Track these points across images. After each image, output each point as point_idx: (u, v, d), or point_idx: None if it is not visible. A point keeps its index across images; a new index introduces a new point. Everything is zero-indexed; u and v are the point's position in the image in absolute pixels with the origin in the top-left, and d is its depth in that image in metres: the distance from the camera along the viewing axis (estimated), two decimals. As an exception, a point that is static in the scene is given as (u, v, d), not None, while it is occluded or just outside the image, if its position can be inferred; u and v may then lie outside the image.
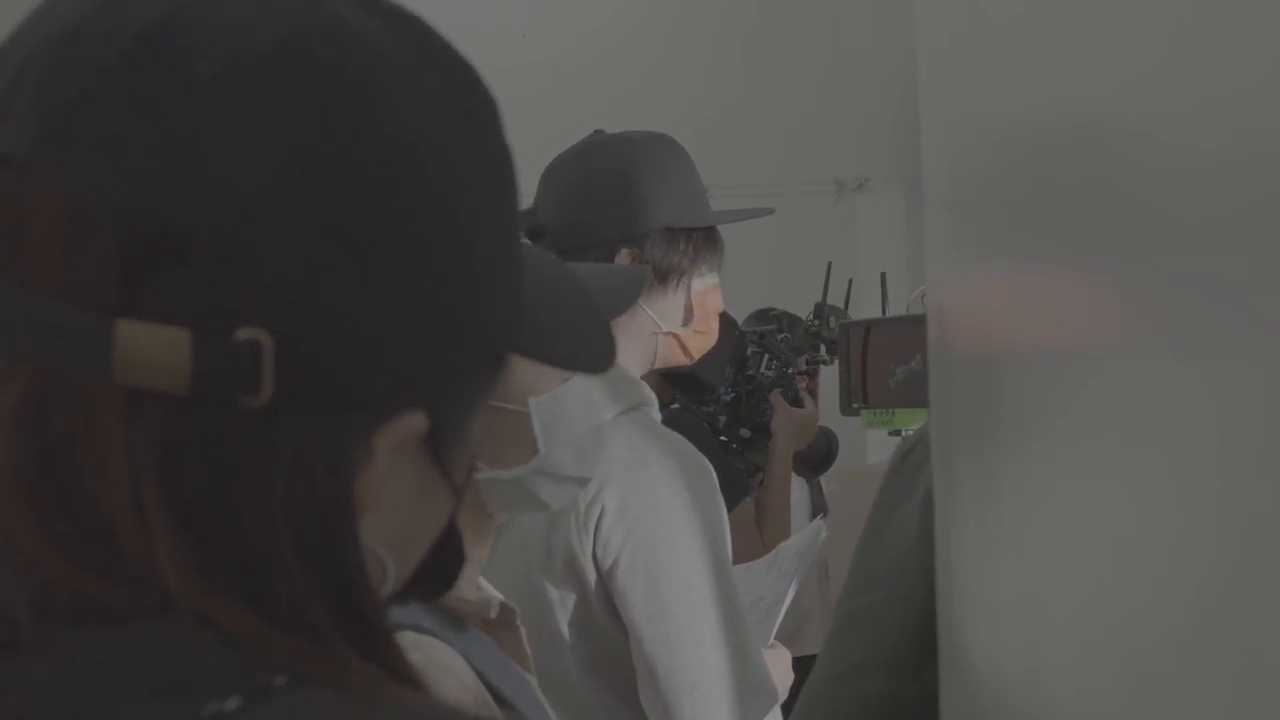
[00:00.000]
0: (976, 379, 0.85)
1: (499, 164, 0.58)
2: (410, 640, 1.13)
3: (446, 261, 0.54)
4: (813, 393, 2.83)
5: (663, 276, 1.89)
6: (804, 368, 2.89)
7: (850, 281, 3.10)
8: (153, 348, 0.49)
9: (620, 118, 4.39)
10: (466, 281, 0.56)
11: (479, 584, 1.30)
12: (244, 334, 0.49)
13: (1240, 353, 0.43)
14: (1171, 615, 0.51)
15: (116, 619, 0.50)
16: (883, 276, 3.98)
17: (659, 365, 1.99)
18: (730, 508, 2.47)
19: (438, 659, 1.13)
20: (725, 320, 2.65)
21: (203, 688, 0.49)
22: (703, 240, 1.93)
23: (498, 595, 1.33)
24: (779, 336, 2.86)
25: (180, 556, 0.50)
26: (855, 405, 2.67)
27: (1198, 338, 0.47)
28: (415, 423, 0.55)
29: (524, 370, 1.23)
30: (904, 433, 2.61)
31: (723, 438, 2.70)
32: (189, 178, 0.49)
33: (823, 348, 2.91)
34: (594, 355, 0.66)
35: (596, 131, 2.01)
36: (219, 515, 0.51)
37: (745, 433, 2.71)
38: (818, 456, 2.91)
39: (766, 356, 2.78)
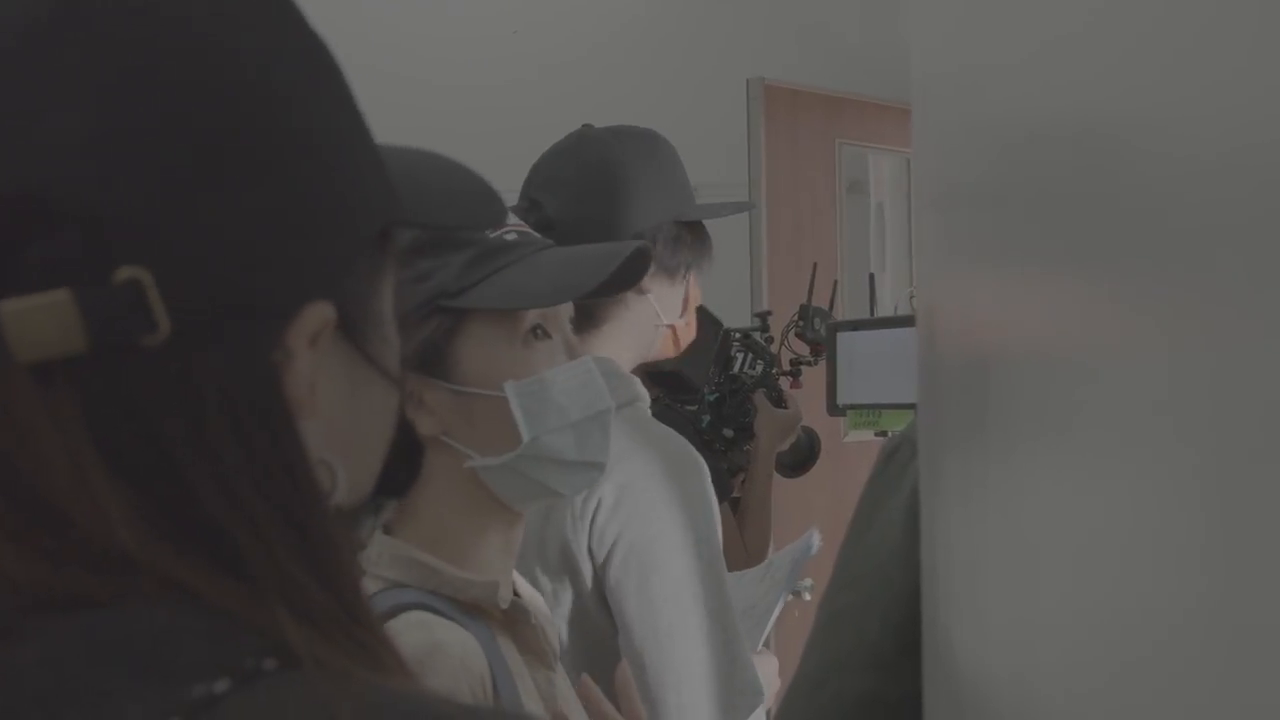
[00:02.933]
0: (965, 379, 0.85)
1: (314, 53, 0.59)
2: (417, 619, 1.13)
3: (293, 153, 0.55)
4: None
5: (671, 270, 1.91)
6: (788, 368, 2.88)
7: (835, 283, 3.10)
8: (40, 317, 0.49)
9: (612, 113, 4.38)
10: (322, 168, 0.57)
11: (513, 578, 1.30)
12: (122, 275, 0.50)
13: (1232, 354, 0.43)
14: (1160, 614, 0.51)
15: (91, 606, 0.50)
16: (871, 277, 3.99)
17: (651, 358, 2.00)
18: None
19: (445, 639, 1.12)
20: (709, 319, 2.65)
21: (190, 669, 0.49)
22: (700, 233, 1.97)
23: (531, 593, 1.33)
24: (763, 336, 2.85)
25: (133, 518, 0.50)
26: (842, 405, 2.68)
27: (1189, 338, 0.47)
28: (322, 312, 0.56)
29: (501, 357, 1.23)
30: (889, 433, 2.62)
31: (705, 438, 2.69)
32: (16, 146, 0.50)
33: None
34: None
35: (586, 126, 2.02)
36: (160, 465, 0.51)
37: (728, 433, 2.71)
38: (800, 456, 2.91)
39: (750, 355, 2.78)
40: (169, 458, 0.51)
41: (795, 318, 2.93)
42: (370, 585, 1.07)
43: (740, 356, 2.77)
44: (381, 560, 1.15)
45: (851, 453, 3.51)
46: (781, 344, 2.89)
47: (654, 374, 2.61)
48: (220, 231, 0.52)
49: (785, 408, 2.74)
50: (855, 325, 2.76)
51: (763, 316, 2.91)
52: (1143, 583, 0.53)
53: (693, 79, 4.37)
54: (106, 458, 0.50)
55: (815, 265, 3.08)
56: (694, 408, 2.68)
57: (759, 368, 2.77)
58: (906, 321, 2.64)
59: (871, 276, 4.09)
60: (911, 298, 3.36)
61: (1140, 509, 0.53)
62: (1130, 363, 0.54)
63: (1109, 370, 0.56)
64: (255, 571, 0.52)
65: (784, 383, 2.84)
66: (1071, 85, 0.60)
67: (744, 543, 2.58)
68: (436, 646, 1.11)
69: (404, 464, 0.64)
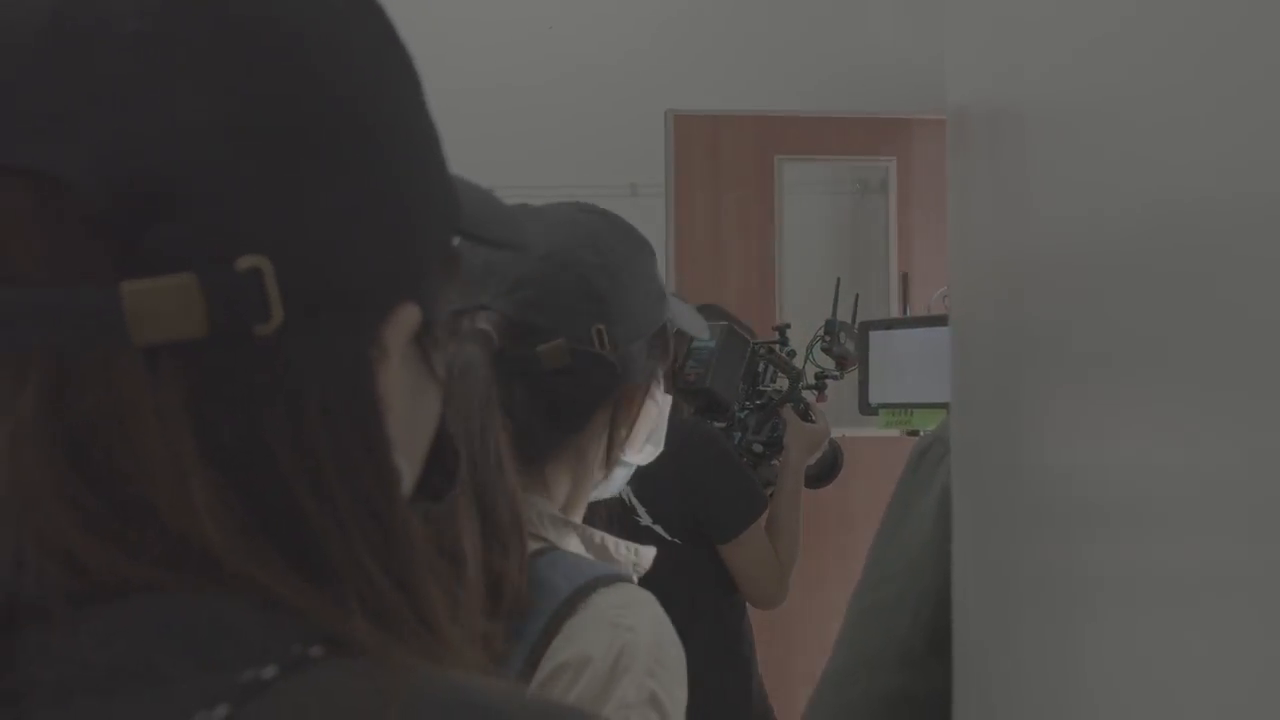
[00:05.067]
0: (999, 380, 0.85)
1: (405, 60, 0.60)
2: (640, 590, 1.15)
3: (393, 155, 0.56)
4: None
5: None
6: (814, 382, 2.87)
7: (857, 297, 3.10)
8: (163, 299, 0.50)
9: (646, 111, 4.39)
10: (416, 171, 0.58)
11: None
12: (244, 263, 0.51)
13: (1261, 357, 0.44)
14: (1198, 605, 0.52)
15: (154, 593, 0.50)
16: (904, 277, 3.97)
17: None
18: (753, 519, 2.48)
19: (660, 610, 1.15)
20: (737, 337, 2.66)
21: (240, 655, 0.49)
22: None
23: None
24: (784, 350, 2.85)
25: (219, 511, 0.50)
26: (874, 404, 2.67)
27: (1224, 342, 0.48)
28: (412, 314, 0.57)
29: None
30: (921, 432, 2.61)
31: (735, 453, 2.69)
32: (147, 132, 0.50)
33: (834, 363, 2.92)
34: (519, 234, 0.68)
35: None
36: (254, 456, 0.52)
37: (758, 448, 2.72)
38: (824, 468, 2.90)
39: (773, 369, 2.78)
40: (265, 449, 0.51)
41: (821, 332, 2.93)
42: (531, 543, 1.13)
43: (764, 370, 2.77)
44: (541, 521, 1.17)
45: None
46: (807, 358, 2.88)
47: (685, 392, 2.63)
48: (331, 224, 0.53)
49: (813, 422, 2.74)
50: (888, 324, 2.75)
51: (780, 330, 2.90)
52: (1180, 579, 0.53)
53: (616, 112, 4.52)
54: (203, 446, 0.51)
55: (839, 280, 3.07)
56: (723, 424, 2.68)
57: (782, 381, 2.77)
58: (939, 321, 2.63)
59: (904, 276, 4.08)
60: (944, 297, 3.34)
61: (1177, 507, 0.53)
62: (1164, 365, 0.54)
63: (1143, 372, 0.57)
64: (334, 567, 0.52)
65: (809, 395, 2.84)
66: (1091, 90, 0.60)
67: (777, 554, 2.58)
68: (663, 616, 1.14)
69: (439, 470, 0.63)
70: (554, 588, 1.09)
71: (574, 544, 1.21)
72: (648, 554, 1.27)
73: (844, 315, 2.95)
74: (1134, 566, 0.58)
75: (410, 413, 0.59)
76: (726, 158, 4.16)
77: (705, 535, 2.47)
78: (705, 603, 2.47)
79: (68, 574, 0.50)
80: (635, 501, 2.45)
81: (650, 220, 4.14)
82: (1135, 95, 0.56)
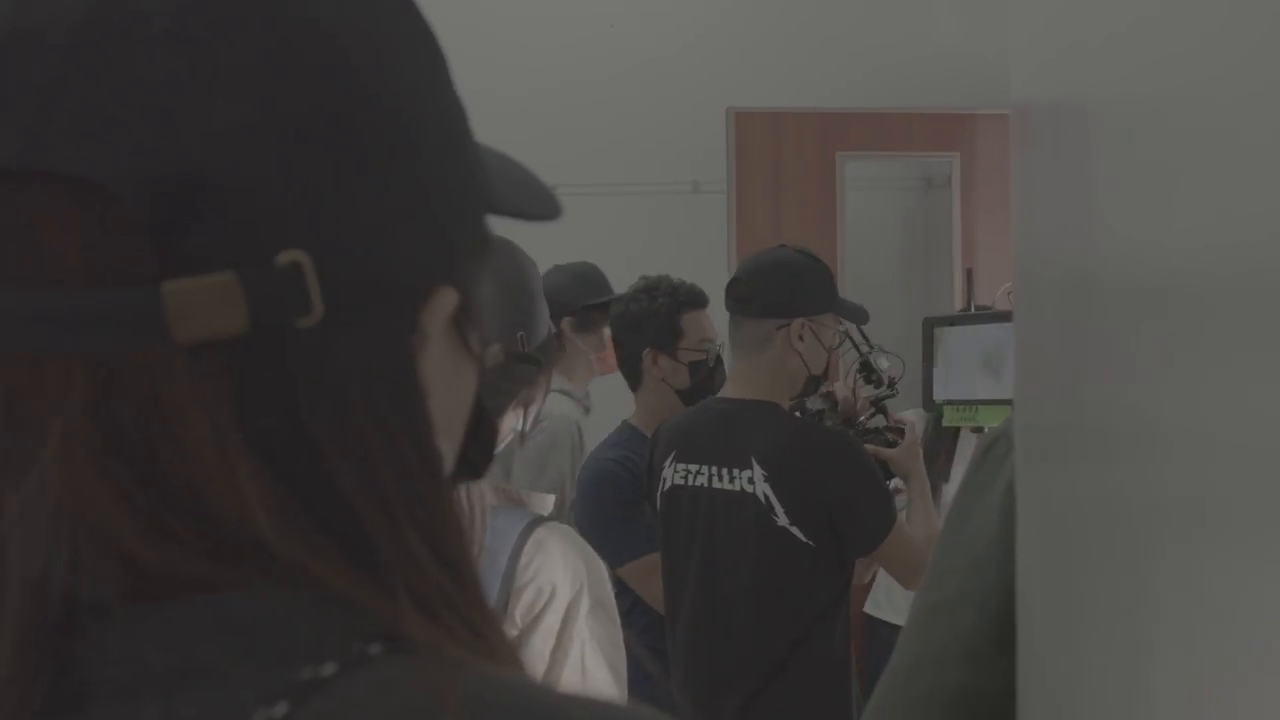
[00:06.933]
0: (1063, 377, 0.85)
1: (434, 48, 0.60)
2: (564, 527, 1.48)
3: (426, 141, 0.57)
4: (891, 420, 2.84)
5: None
6: (870, 410, 2.87)
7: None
8: (204, 297, 0.50)
9: (707, 108, 4.39)
10: (448, 156, 0.58)
11: None
12: (284, 258, 0.51)
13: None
14: (1268, 616, 0.51)
15: (210, 589, 0.51)
16: (969, 273, 3.95)
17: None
18: (888, 531, 2.50)
19: None
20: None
21: (299, 653, 0.49)
22: None
23: None
24: (836, 405, 2.87)
25: (270, 505, 0.51)
26: (938, 400, 2.66)
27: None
28: (449, 297, 0.57)
29: None
30: (985, 428, 2.60)
31: None
32: (184, 132, 0.50)
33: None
34: (550, 206, 0.68)
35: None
36: (301, 448, 0.52)
37: None
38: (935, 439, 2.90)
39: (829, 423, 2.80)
40: (310, 440, 0.52)
41: (856, 367, 2.93)
42: None
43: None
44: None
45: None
46: (855, 398, 2.88)
47: None
48: (367, 215, 0.53)
49: (899, 441, 2.73)
50: (951, 320, 2.74)
51: (827, 395, 2.92)
52: (1245, 580, 0.53)
53: (678, 109, 4.56)
54: (250, 441, 0.51)
55: (846, 327, 3.12)
56: None
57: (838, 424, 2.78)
58: (1004, 317, 2.62)
59: (969, 271, 4.06)
60: (1009, 293, 3.33)
61: (1247, 505, 0.53)
62: (1234, 364, 0.54)
63: (1213, 371, 0.56)
64: (382, 554, 0.52)
65: (879, 420, 2.84)
66: (1158, 83, 0.60)
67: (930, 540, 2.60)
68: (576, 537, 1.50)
69: (478, 446, 0.64)
70: (502, 531, 1.43)
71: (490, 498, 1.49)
72: (549, 499, 1.57)
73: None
74: (1202, 567, 0.58)
75: (449, 393, 0.60)
76: (788, 154, 4.18)
77: (839, 541, 2.47)
78: (826, 607, 2.49)
79: (124, 573, 0.50)
80: (775, 500, 2.46)
81: (712, 217, 4.17)
82: (1203, 87, 0.56)
